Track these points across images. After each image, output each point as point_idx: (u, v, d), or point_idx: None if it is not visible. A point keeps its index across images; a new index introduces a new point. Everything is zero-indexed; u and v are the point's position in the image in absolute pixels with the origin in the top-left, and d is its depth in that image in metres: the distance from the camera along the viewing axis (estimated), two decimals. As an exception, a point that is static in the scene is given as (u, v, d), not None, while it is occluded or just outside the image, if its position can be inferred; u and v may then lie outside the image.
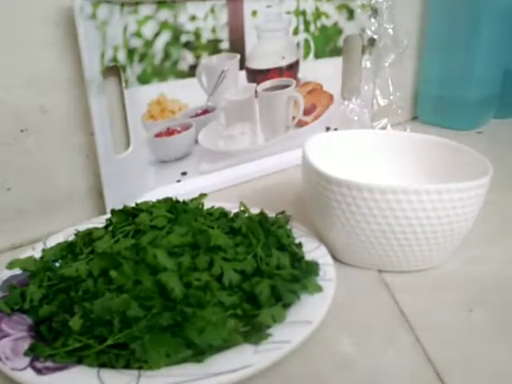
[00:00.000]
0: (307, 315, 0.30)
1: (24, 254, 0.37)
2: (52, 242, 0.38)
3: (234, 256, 0.33)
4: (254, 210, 0.40)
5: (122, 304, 0.28)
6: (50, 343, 0.28)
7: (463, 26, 0.70)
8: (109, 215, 0.39)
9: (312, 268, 0.34)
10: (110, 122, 0.45)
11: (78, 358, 0.27)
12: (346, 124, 0.67)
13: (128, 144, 0.48)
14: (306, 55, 0.60)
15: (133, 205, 0.40)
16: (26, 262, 0.36)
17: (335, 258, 0.39)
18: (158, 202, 0.40)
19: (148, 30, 0.46)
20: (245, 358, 0.27)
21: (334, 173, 0.36)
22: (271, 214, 0.40)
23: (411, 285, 0.37)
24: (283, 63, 0.58)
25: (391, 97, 0.69)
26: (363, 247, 0.37)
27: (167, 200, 0.40)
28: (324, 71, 0.62)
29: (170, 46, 0.48)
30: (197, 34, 0.49)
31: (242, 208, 0.41)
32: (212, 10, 0.50)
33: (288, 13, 0.56)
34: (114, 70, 0.45)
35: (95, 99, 0.43)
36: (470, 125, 0.76)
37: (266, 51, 0.56)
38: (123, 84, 0.45)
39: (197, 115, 0.53)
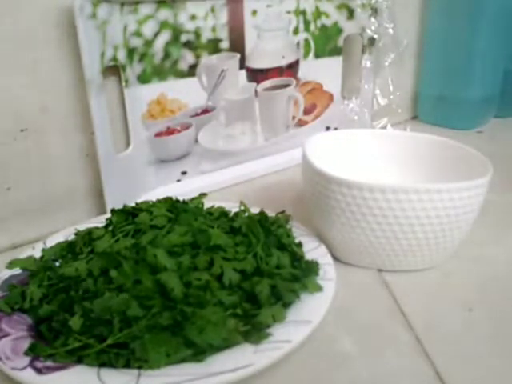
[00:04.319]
0: (307, 315, 0.30)
1: (24, 253, 0.37)
2: (52, 242, 0.38)
3: (233, 255, 0.33)
4: (254, 210, 0.40)
5: (121, 303, 0.28)
6: (50, 343, 0.28)
7: (463, 25, 0.70)
8: (109, 215, 0.39)
9: (312, 267, 0.34)
10: (110, 121, 0.45)
11: (78, 357, 0.27)
12: (346, 123, 0.67)
13: (128, 143, 0.48)
14: (306, 55, 0.60)
15: (133, 204, 0.40)
16: (26, 261, 0.36)
17: (335, 258, 0.39)
18: (158, 201, 0.40)
19: (148, 30, 0.46)
20: (245, 358, 0.27)
21: (333, 172, 0.36)
22: (271, 214, 0.40)
23: (411, 285, 0.37)
24: (283, 63, 0.58)
25: (391, 96, 0.69)
26: (363, 246, 0.37)
27: (167, 199, 0.40)
28: (324, 71, 0.62)
29: (169, 46, 0.48)
30: (197, 34, 0.49)
31: (242, 207, 0.41)
32: (212, 10, 0.50)
33: (288, 12, 0.56)
34: (113, 70, 0.45)
35: (95, 99, 0.42)
36: (470, 124, 0.76)
37: (266, 51, 0.56)
38: (123, 83, 0.45)
39: (197, 115, 0.53)
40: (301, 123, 0.63)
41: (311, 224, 0.42)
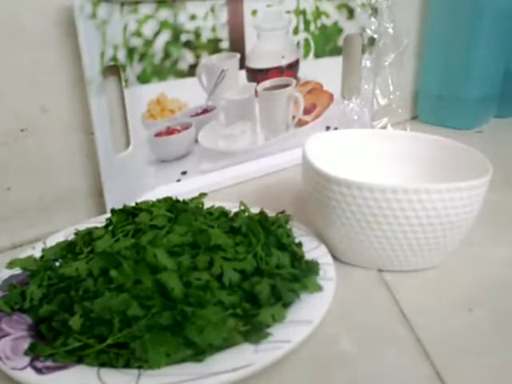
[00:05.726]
0: (307, 315, 0.30)
1: (24, 253, 0.37)
2: (52, 242, 0.38)
3: (233, 255, 0.33)
4: (254, 210, 0.40)
5: (122, 303, 0.28)
6: (49, 343, 0.28)
7: (463, 25, 0.70)
8: (109, 215, 0.39)
9: (312, 267, 0.34)
10: (110, 121, 0.45)
11: (78, 357, 0.27)
12: (346, 123, 0.67)
13: (128, 143, 0.48)
14: (306, 54, 0.60)
15: (133, 204, 0.40)
16: (26, 261, 0.36)
17: (335, 258, 0.39)
18: (158, 201, 0.40)
19: (148, 30, 0.46)
20: (245, 358, 0.27)
21: (333, 172, 0.36)
22: (271, 214, 0.40)
23: (411, 285, 0.37)
24: (283, 62, 0.58)
25: (391, 96, 0.69)
26: (363, 246, 0.37)
27: (167, 199, 0.40)
28: (324, 70, 0.62)
29: (169, 46, 0.48)
30: (197, 34, 0.49)
31: (242, 207, 0.41)
32: (212, 10, 0.50)
33: (288, 12, 0.56)
34: (113, 70, 0.45)
35: (95, 99, 0.42)
36: (469, 124, 0.76)
37: (266, 50, 0.56)
38: (123, 83, 0.45)
39: (197, 114, 0.53)
40: (301, 123, 0.63)
41: (311, 224, 0.42)
